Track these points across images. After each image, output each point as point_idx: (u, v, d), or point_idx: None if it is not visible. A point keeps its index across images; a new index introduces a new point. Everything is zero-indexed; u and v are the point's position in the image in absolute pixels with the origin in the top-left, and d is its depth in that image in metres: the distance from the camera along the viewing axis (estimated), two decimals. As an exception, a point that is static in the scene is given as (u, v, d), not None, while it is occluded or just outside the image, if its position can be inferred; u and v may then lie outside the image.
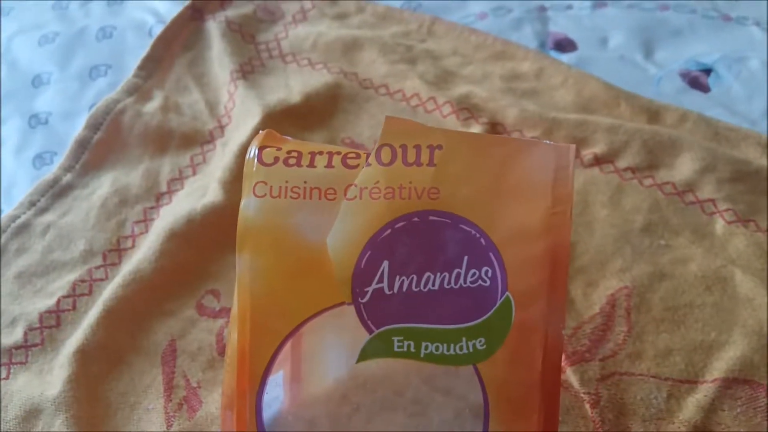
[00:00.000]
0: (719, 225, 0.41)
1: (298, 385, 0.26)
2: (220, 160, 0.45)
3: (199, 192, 0.44)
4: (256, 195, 0.27)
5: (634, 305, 0.38)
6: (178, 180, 0.45)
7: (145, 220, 0.43)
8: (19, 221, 0.43)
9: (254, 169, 0.27)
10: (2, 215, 0.43)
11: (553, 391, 0.26)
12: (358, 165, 0.27)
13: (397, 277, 0.26)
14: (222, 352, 0.38)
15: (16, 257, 0.41)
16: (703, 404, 0.35)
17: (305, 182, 0.27)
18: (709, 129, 0.45)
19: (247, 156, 0.28)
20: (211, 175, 0.45)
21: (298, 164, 0.27)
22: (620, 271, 0.39)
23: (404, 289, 0.26)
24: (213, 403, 0.36)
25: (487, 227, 0.26)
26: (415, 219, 0.26)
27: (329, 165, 0.27)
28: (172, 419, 0.35)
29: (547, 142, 0.27)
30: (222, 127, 0.48)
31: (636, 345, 0.37)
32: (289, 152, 0.27)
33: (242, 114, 0.47)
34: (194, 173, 0.45)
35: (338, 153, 0.27)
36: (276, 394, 0.26)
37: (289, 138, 0.29)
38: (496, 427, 0.26)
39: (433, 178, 0.26)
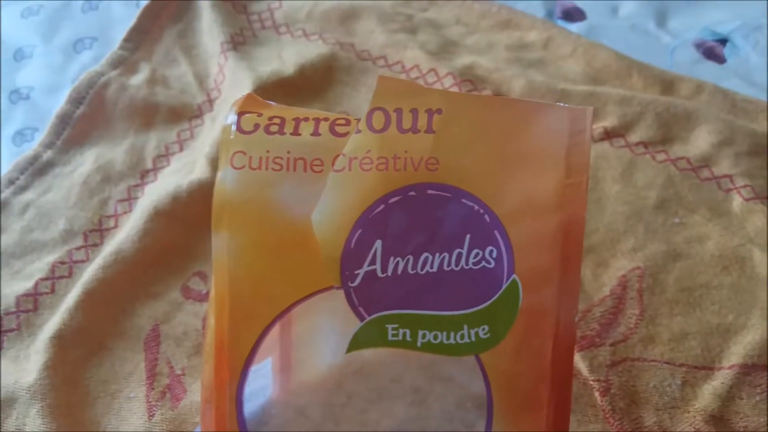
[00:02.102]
0: (736, 202, 0.40)
1: (288, 374, 0.25)
2: (208, 135, 0.44)
3: (186, 169, 0.42)
4: (234, 166, 0.25)
5: (647, 287, 0.37)
6: (164, 156, 0.44)
7: (129, 199, 0.42)
8: (-4, 200, 0.41)
9: (232, 137, 0.25)
10: (-21, 194, 0.42)
11: (564, 383, 0.25)
12: (348, 132, 0.25)
13: (392, 258, 0.24)
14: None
15: (-7, 237, 0.40)
16: (720, 392, 0.34)
17: (289, 152, 0.25)
18: (725, 101, 0.45)
19: (224, 122, 0.26)
20: (198, 151, 0.44)
21: (281, 132, 0.25)
22: (632, 250, 0.38)
23: (399, 271, 0.24)
24: (198, 391, 0.34)
25: (492, 202, 0.24)
26: (412, 193, 0.25)
27: (315, 133, 0.25)
28: (155, 408, 0.34)
29: (561, 104, 0.25)
30: (211, 101, 0.46)
31: (649, 329, 0.36)
32: (271, 118, 0.25)
33: (232, 87, 0.46)
34: (181, 149, 0.44)
35: (325, 119, 0.25)
36: (261, 385, 0.25)
37: (271, 103, 0.27)
38: (501, 422, 0.24)
39: (432, 146, 0.25)
